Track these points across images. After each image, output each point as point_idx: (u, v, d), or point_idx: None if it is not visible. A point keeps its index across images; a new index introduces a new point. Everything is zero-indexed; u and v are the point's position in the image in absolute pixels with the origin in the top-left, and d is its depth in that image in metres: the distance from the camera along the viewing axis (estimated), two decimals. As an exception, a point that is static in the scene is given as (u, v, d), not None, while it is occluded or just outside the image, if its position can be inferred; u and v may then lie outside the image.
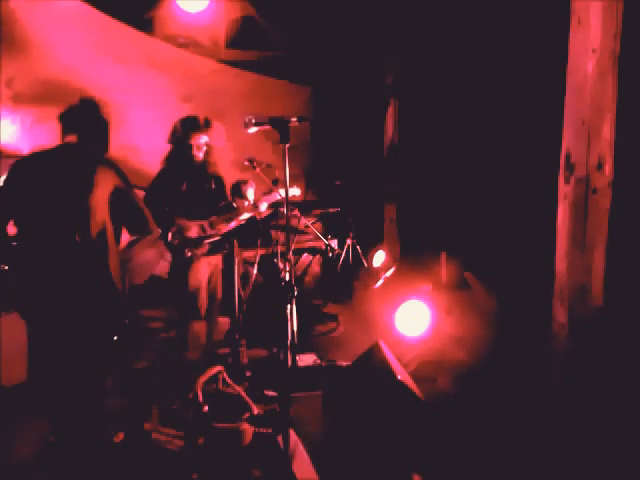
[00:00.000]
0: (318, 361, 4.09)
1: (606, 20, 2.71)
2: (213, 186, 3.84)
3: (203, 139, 3.67)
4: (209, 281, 3.80)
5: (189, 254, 3.60)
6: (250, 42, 6.66)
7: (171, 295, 4.00)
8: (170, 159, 3.73)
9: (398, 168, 6.49)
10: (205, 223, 3.68)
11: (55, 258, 2.51)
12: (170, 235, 3.58)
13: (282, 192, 3.81)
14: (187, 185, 3.70)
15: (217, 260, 3.85)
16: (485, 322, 3.94)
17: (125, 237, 2.85)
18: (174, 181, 3.67)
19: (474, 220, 4.67)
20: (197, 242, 3.62)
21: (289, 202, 2.74)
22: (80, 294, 2.52)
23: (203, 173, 3.77)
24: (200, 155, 3.69)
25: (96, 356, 2.60)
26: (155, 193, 3.65)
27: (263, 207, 3.85)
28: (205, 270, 3.74)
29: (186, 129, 3.63)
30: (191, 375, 3.16)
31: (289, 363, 3.74)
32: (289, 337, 3.46)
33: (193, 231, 3.63)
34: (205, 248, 3.66)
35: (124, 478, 2.70)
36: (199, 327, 3.73)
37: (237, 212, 3.79)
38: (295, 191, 3.87)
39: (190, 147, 3.64)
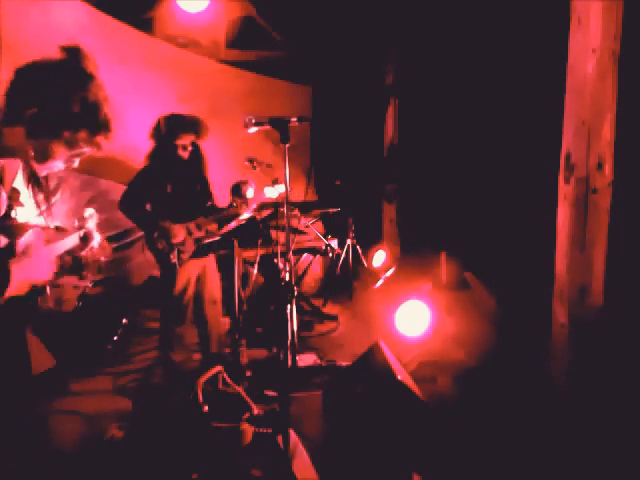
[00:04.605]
0: (318, 361, 4.09)
1: (606, 20, 2.72)
2: (199, 187, 3.76)
3: (189, 139, 3.58)
4: (197, 283, 3.72)
5: (174, 260, 3.51)
6: (250, 42, 6.65)
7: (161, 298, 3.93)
8: (154, 157, 3.61)
9: (398, 168, 6.49)
10: (192, 225, 3.61)
11: None
12: (155, 239, 3.50)
13: (268, 191, 3.79)
14: (172, 186, 3.60)
15: (206, 262, 3.76)
16: (485, 322, 3.94)
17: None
18: (158, 181, 3.57)
19: (474, 220, 4.67)
20: (183, 244, 3.57)
21: (289, 201, 2.74)
22: None
23: (189, 173, 3.70)
24: (185, 155, 3.60)
25: None
26: (136, 193, 3.54)
27: (253, 205, 3.81)
28: (192, 274, 3.67)
29: (173, 128, 3.53)
30: (191, 375, 3.16)
31: (289, 363, 3.74)
32: (289, 337, 3.46)
33: (180, 235, 3.54)
34: (190, 252, 3.60)
35: (124, 478, 2.71)
36: (180, 329, 3.68)
37: (226, 212, 3.75)
38: (281, 188, 3.75)
39: (175, 147, 3.54)
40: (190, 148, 3.61)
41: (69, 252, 2.12)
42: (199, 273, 3.72)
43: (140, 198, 3.55)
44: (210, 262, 3.80)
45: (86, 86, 1.93)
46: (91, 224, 2.21)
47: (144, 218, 3.56)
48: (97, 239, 2.23)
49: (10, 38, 4.45)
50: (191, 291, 3.67)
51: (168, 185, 3.59)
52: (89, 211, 2.23)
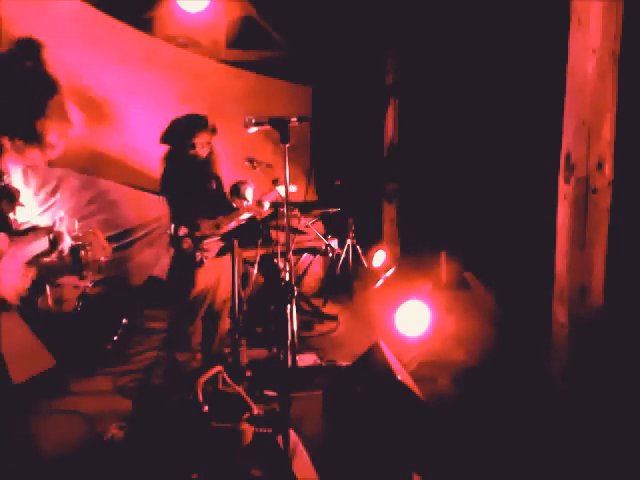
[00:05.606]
0: (318, 361, 4.09)
1: (606, 20, 2.72)
2: (214, 185, 3.79)
3: (207, 137, 3.59)
4: (215, 281, 3.72)
5: (200, 257, 3.52)
6: (250, 42, 6.66)
7: (172, 296, 3.94)
8: (174, 159, 3.61)
9: (398, 168, 6.50)
10: (212, 223, 3.62)
11: None
12: (189, 240, 3.49)
13: (281, 190, 3.83)
14: (196, 185, 3.62)
15: (224, 260, 3.76)
16: (485, 322, 3.94)
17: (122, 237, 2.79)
18: (184, 182, 3.58)
19: (474, 220, 4.67)
20: (200, 242, 3.59)
21: (289, 201, 2.74)
22: None
23: (206, 172, 3.71)
24: (204, 153, 3.62)
25: None
26: (181, 195, 3.54)
27: (266, 206, 3.84)
28: (213, 272, 3.67)
29: (192, 128, 3.55)
30: (191, 375, 3.16)
31: (289, 363, 3.73)
32: (289, 337, 3.46)
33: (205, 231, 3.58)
34: (215, 250, 3.62)
35: (124, 478, 2.71)
36: (191, 328, 3.67)
37: (240, 212, 3.76)
38: (293, 188, 3.81)
39: (194, 146, 3.56)
40: (209, 146, 3.63)
41: (38, 256, 2.10)
42: (219, 272, 3.73)
43: (184, 201, 3.55)
44: (228, 261, 3.82)
45: (56, 91, 1.94)
46: (62, 227, 2.16)
47: (189, 220, 3.54)
48: (67, 242, 2.20)
49: (11, 38, 4.45)
50: (209, 289, 3.68)
51: (192, 185, 3.60)
52: (59, 214, 2.18)
